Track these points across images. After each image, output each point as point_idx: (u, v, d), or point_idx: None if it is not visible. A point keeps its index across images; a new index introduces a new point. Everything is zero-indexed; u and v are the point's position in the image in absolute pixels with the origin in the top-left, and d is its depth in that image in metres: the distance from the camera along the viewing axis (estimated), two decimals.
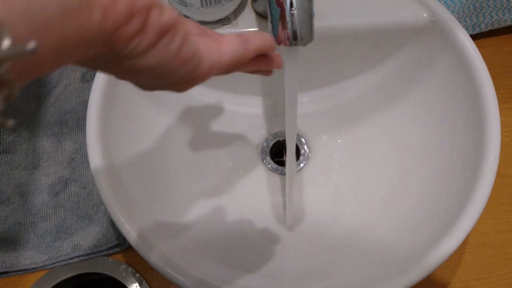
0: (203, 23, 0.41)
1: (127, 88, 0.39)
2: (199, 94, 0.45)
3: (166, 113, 0.44)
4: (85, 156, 0.47)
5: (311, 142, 0.47)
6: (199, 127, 0.46)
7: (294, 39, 0.29)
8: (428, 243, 0.32)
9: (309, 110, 0.47)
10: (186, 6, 0.38)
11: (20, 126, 0.48)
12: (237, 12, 0.42)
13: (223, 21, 0.41)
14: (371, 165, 0.44)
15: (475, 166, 0.34)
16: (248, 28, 0.41)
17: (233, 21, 0.42)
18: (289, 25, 0.29)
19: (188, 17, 0.40)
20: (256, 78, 0.45)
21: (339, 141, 0.46)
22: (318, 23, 0.39)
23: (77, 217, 0.45)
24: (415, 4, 0.40)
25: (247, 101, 0.47)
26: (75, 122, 0.49)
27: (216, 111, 0.47)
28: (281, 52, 0.29)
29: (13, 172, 0.47)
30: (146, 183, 0.40)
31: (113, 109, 0.38)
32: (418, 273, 0.31)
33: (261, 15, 0.42)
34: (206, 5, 0.37)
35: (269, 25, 0.30)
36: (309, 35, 0.29)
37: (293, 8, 0.29)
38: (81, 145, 0.48)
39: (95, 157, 0.35)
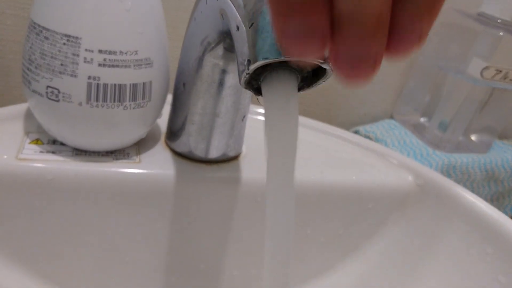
0: (81, 151, 0.24)
1: None
2: None
3: None
4: None
5: None
6: None
7: None
8: None
9: None
10: (58, 101, 0.22)
11: None
12: (141, 146, 0.26)
13: (117, 154, 0.25)
14: None
15: None
16: (158, 170, 0.25)
17: (135, 157, 0.25)
18: None
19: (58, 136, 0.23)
20: None
21: None
22: None
23: None
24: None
25: None
26: None
27: None
28: None
29: None
30: None
31: None
32: None
33: (182, 155, 0.26)
34: (91, 100, 0.22)
35: None
36: None
37: None
38: None
39: None
